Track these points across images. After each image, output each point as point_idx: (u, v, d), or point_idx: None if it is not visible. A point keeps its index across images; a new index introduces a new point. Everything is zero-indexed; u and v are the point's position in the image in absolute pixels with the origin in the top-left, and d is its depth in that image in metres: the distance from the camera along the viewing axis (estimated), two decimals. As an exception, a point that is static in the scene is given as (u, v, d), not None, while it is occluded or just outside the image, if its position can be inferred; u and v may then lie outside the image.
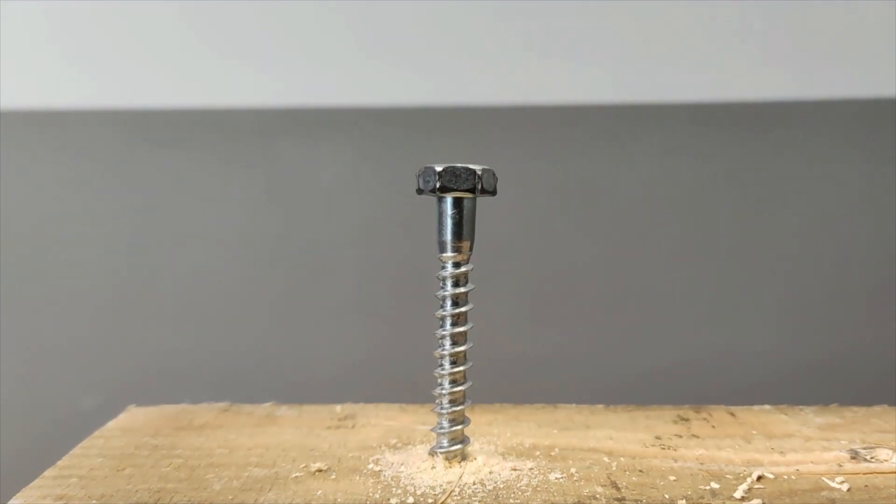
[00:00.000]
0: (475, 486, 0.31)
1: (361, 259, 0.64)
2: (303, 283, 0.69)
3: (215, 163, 0.69)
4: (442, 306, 0.33)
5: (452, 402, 0.33)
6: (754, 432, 0.37)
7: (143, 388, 0.67)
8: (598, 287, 0.69)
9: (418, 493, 0.30)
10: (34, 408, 0.68)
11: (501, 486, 0.31)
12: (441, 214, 0.32)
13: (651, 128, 0.66)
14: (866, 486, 0.31)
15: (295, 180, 0.68)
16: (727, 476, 0.32)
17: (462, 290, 0.33)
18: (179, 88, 0.69)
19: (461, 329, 0.33)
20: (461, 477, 0.32)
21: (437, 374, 0.33)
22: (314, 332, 0.69)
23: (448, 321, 0.33)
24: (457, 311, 0.33)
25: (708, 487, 0.31)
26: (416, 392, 0.40)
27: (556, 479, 0.32)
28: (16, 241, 0.69)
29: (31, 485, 0.31)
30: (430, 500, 0.29)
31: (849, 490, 0.30)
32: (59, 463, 0.33)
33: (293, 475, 0.32)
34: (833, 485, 0.31)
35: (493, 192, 0.32)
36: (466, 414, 0.34)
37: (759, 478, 0.31)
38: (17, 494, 0.30)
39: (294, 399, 0.43)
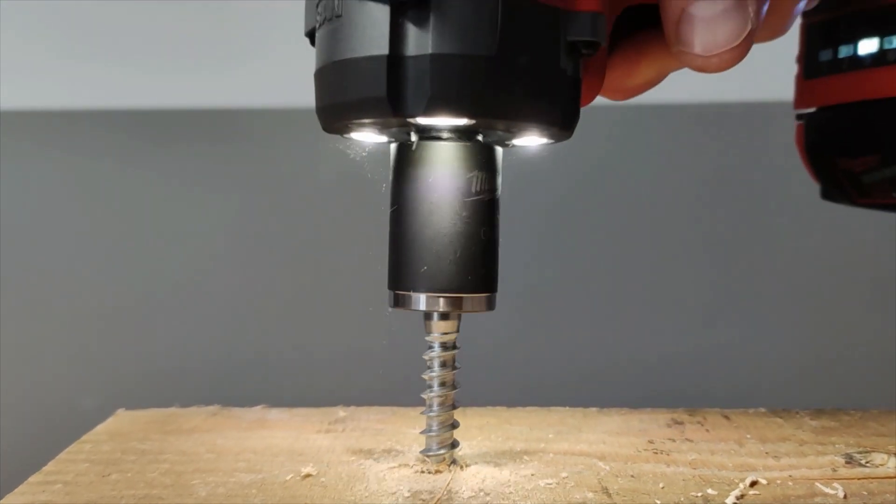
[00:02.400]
0: (465, 491, 0.31)
1: (353, 261, 0.64)
2: (297, 286, 0.68)
3: (213, 163, 0.69)
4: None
5: (442, 406, 0.33)
6: (748, 436, 0.37)
7: (143, 389, 0.67)
8: (593, 288, 0.68)
9: (408, 497, 0.30)
10: (33, 409, 0.68)
11: (491, 490, 0.31)
12: None
13: (648, 127, 0.65)
14: (861, 491, 0.30)
15: (293, 180, 0.67)
16: (720, 481, 0.31)
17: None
18: (179, 88, 0.69)
19: (452, 332, 0.33)
20: (450, 482, 0.31)
21: (426, 377, 0.33)
22: (307, 335, 0.68)
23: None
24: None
25: (700, 494, 0.30)
26: (408, 395, 0.40)
27: (547, 484, 0.31)
28: (15, 241, 0.69)
29: (14, 491, 0.30)
30: (416, 507, 0.29)
31: (843, 496, 0.30)
32: (45, 468, 0.33)
33: (281, 480, 0.32)
34: (827, 490, 0.30)
35: None
36: (458, 417, 0.34)
37: (752, 483, 0.31)
38: (2, 501, 0.30)
39: (285, 402, 0.43)
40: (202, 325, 0.69)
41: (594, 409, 0.42)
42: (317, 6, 0.28)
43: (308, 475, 0.32)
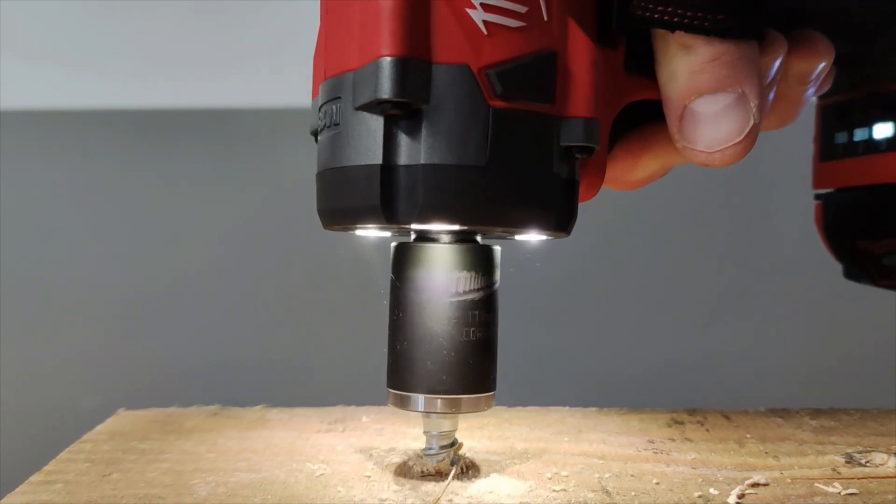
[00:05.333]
0: (464, 490, 0.31)
1: (353, 262, 0.64)
2: (297, 285, 0.68)
3: (213, 163, 0.69)
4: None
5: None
6: (748, 436, 0.37)
7: (143, 388, 0.67)
8: (594, 289, 0.68)
9: (408, 496, 0.30)
10: (34, 409, 0.68)
11: (491, 489, 0.31)
12: None
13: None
14: (861, 491, 0.30)
15: (292, 181, 0.67)
16: (720, 481, 0.31)
17: None
18: (179, 88, 0.69)
19: (451, 430, 0.33)
20: (449, 481, 0.31)
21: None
22: (308, 334, 0.68)
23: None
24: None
25: (700, 493, 0.30)
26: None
27: (547, 484, 0.31)
28: (15, 241, 0.69)
29: (15, 490, 0.30)
30: (417, 506, 0.29)
31: (843, 495, 0.30)
32: (46, 468, 0.33)
33: (281, 480, 0.32)
34: (827, 490, 0.30)
35: None
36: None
37: (752, 483, 0.31)
38: (2, 500, 0.30)
39: (286, 402, 0.43)
40: (202, 324, 0.69)
41: (594, 409, 0.42)
42: (319, 109, 0.29)
43: (309, 475, 0.32)
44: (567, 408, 0.42)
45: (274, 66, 0.66)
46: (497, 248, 0.31)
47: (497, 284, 0.31)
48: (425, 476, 0.32)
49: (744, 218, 0.68)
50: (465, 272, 0.30)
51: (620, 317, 0.69)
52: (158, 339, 0.69)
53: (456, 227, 0.28)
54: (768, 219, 0.67)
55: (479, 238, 0.31)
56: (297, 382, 0.67)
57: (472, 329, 0.30)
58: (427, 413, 0.31)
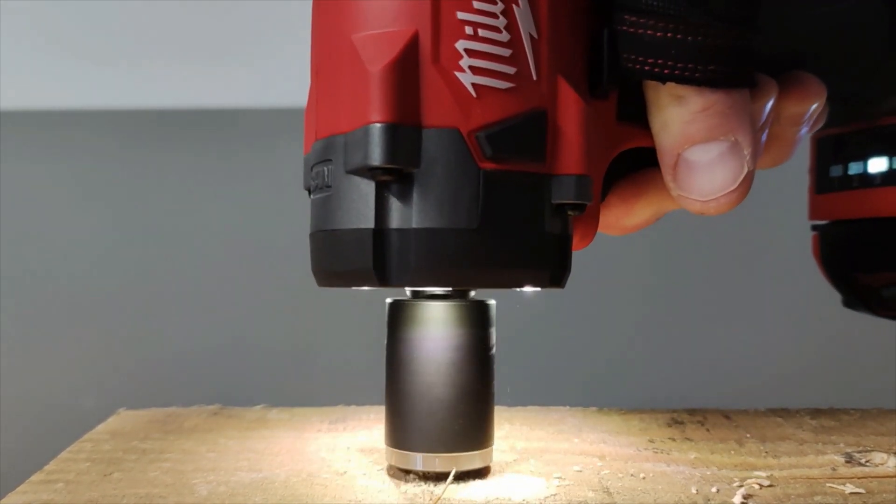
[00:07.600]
0: (464, 490, 0.31)
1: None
2: (297, 285, 0.68)
3: (213, 163, 0.69)
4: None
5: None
6: (748, 435, 0.37)
7: (144, 388, 0.67)
8: (594, 288, 0.68)
9: (407, 496, 0.30)
10: (35, 409, 0.68)
11: (491, 489, 0.31)
12: None
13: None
14: (860, 491, 0.30)
15: (293, 180, 0.67)
16: (720, 480, 0.31)
17: None
18: (179, 88, 0.69)
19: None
20: (449, 481, 0.31)
21: None
22: (308, 334, 0.68)
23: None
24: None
25: (700, 493, 0.30)
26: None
27: (547, 483, 0.31)
28: (15, 241, 0.69)
29: (16, 490, 0.31)
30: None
31: (842, 495, 0.30)
32: (47, 467, 0.33)
33: (282, 479, 0.32)
34: (829, 487, 0.31)
35: None
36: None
37: (753, 483, 0.31)
38: (3, 500, 0.30)
39: (286, 402, 0.43)
40: (203, 324, 0.69)
41: (594, 409, 0.42)
42: (311, 169, 0.29)
43: (309, 474, 0.32)
44: (567, 408, 0.42)
45: (274, 66, 0.66)
46: (492, 303, 0.31)
47: (493, 339, 0.31)
48: (426, 476, 0.32)
49: (744, 219, 0.68)
50: (462, 329, 0.30)
51: (621, 317, 0.69)
52: (159, 338, 0.69)
53: (449, 288, 0.29)
54: (768, 219, 0.67)
55: (472, 293, 0.31)
56: (298, 382, 0.67)
57: (469, 386, 0.30)
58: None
